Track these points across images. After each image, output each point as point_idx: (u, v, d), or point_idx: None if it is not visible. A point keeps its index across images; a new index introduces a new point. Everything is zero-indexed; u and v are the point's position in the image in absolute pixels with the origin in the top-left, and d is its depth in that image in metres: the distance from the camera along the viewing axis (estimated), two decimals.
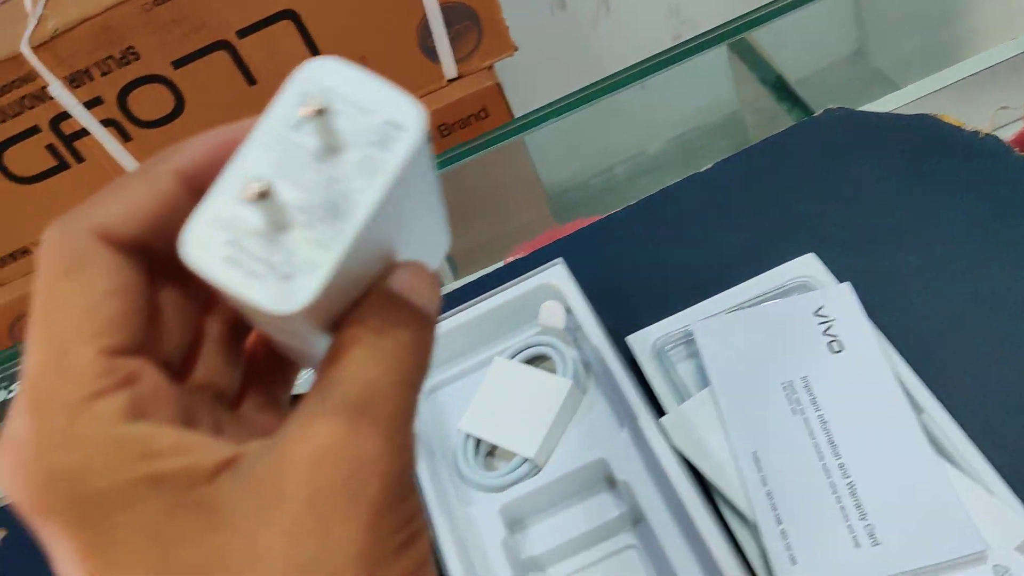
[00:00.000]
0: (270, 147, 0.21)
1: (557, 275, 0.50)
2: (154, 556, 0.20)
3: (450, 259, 0.78)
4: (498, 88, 1.01)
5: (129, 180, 0.24)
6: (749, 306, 0.51)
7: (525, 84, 1.09)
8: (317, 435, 0.21)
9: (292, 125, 0.22)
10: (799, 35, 0.72)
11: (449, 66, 1.01)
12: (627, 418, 0.46)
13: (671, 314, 0.52)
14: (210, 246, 0.21)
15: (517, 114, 1.02)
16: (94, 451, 0.21)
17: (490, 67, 1.02)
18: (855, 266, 0.51)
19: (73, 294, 0.22)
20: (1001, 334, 0.48)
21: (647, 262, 0.55)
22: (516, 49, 0.99)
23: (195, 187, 0.23)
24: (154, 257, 0.24)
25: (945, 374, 0.46)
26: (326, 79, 0.22)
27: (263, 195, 0.20)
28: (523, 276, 0.51)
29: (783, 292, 0.51)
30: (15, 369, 0.72)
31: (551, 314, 0.49)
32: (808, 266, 0.52)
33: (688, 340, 0.51)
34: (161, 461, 0.21)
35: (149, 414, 0.22)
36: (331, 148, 0.21)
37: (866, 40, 0.86)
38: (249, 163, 0.21)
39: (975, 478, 0.42)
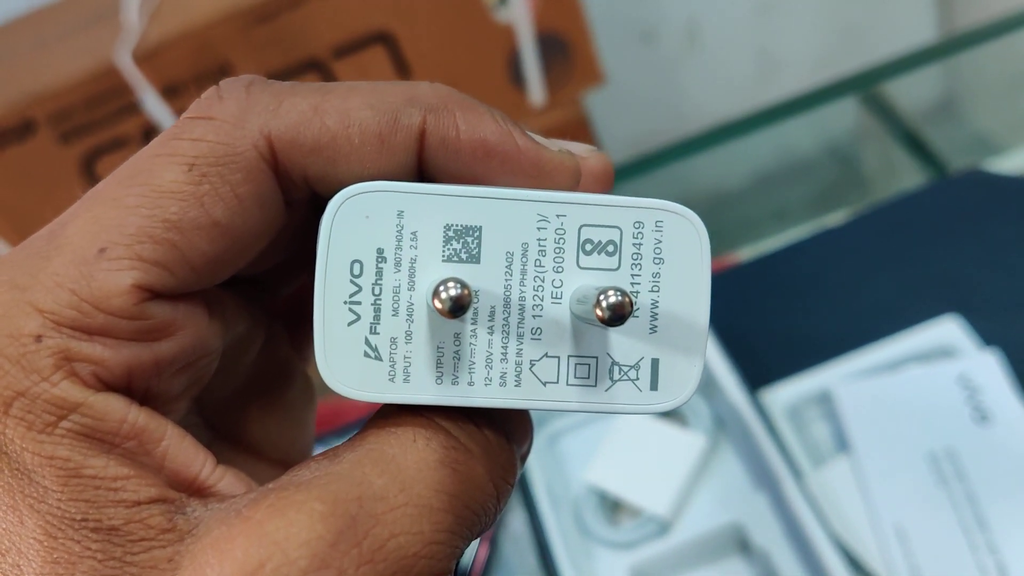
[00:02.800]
0: None
1: None
2: None
3: None
4: (585, 119, 1.00)
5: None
6: (887, 368, 0.49)
7: (611, 115, 1.08)
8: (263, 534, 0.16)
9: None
10: (907, 89, 0.70)
11: (537, 95, 1.00)
12: (764, 479, 0.45)
13: (803, 371, 0.50)
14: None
15: (603, 143, 1.01)
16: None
17: (577, 98, 1.01)
18: (998, 332, 0.49)
19: (172, 183, 0.17)
20: None
21: (778, 315, 0.53)
22: (605, 80, 0.98)
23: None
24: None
25: None
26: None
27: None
28: None
29: (923, 355, 0.50)
30: None
31: None
32: (949, 329, 0.51)
33: (823, 400, 0.49)
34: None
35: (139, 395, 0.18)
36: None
37: (963, 97, 0.85)
38: None
39: None
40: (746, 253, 0.61)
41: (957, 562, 0.42)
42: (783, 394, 0.49)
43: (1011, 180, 0.55)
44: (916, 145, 0.61)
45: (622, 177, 0.73)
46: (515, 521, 0.48)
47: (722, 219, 0.81)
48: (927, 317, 0.50)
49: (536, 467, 0.48)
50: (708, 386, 0.49)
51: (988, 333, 0.49)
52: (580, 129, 1.01)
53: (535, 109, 1.02)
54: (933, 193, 0.56)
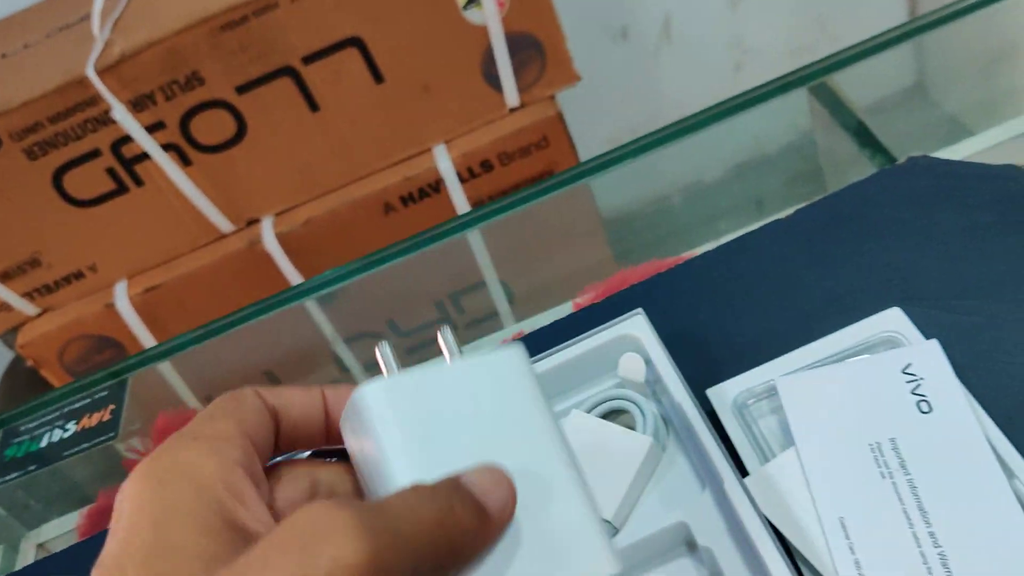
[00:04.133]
0: None
1: (637, 326, 0.49)
2: None
3: (509, 297, 0.77)
4: (559, 117, 1.01)
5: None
6: (833, 362, 0.49)
7: (586, 113, 1.08)
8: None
9: None
10: (868, 78, 0.70)
11: (511, 95, 1.00)
12: (709, 478, 0.45)
13: (751, 367, 0.50)
14: None
15: (577, 143, 1.02)
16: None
17: (552, 96, 1.01)
18: (942, 322, 0.49)
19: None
20: None
21: (725, 311, 0.54)
22: (579, 79, 0.98)
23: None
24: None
25: None
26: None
27: None
28: (601, 327, 0.50)
29: (868, 348, 0.50)
30: (73, 407, 0.72)
31: (631, 367, 0.48)
32: (893, 321, 0.51)
33: (771, 395, 0.49)
34: None
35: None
36: None
37: (929, 82, 0.85)
38: None
39: None
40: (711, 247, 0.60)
41: (901, 554, 0.42)
42: (731, 391, 0.49)
43: (955, 165, 0.55)
44: (867, 134, 0.61)
45: (597, 170, 0.73)
46: None
47: (693, 211, 0.81)
48: (874, 310, 0.51)
49: None
50: (654, 385, 0.49)
51: (930, 323, 0.49)
52: (554, 127, 1.01)
53: (510, 109, 1.02)
54: (878, 181, 0.56)
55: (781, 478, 0.46)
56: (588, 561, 0.29)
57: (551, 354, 0.50)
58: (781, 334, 0.51)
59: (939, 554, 0.41)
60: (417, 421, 0.30)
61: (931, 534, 0.42)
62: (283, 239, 1.02)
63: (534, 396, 0.32)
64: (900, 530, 0.43)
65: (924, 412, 0.46)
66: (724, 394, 0.49)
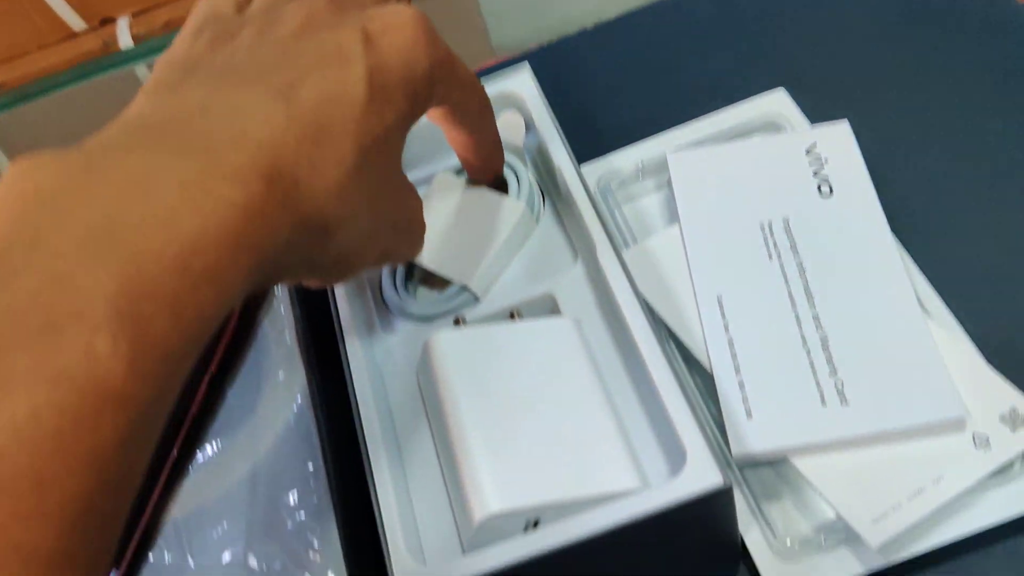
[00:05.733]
0: None
1: (521, 83, 0.44)
2: None
3: None
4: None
5: None
6: (715, 141, 0.46)
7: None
8: None
9: None
10: None
11: None
12: (583, 250, 0.41)
13: (635, 141, 0.46)
14: None
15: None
16: None
17: None
18: (827, 108, 0.46)
19: None
20: (985, 197, 0.43)
21: (607, 89, 0.49)
22: None
23: None
24: None
25: (922, 236, 0.42)
26: None
27: None
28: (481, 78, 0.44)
29: (748, 128, 0.46)
30: None
31: (510, 127, 0.44)
32: (778, 102, 0.47)
33: (659, 171, 0.45)
34: None
35: None
36: None
37: None
38: None
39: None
40: None
41: (779, 335, 0.39)
42: (611, 165, 0.45)
43: None
44: None
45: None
46: (280, 290, 0.43)
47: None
48: (758, 90, 0.47)
49: None
50: (533, 152, 0.44)
51: (815, 109, 0.46)
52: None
53: None
54: None
55: (660, 254, 0.42)
56: (616, 476, 0.33)
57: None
58: (661, 115, 0.47)
59: (821, 336, 0.38)
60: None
61: (815, 317, 0.39)
62: (139, 41, 0.94)
63: (583, 358, 0.37)
64: (782, 311, 0.39)
65: (824, 195, 0.42)
66: (606, 169, 0.45)
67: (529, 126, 0.44)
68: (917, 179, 0.45)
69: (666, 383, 0.35)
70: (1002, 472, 0.34)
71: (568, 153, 0.42)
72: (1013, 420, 0.35)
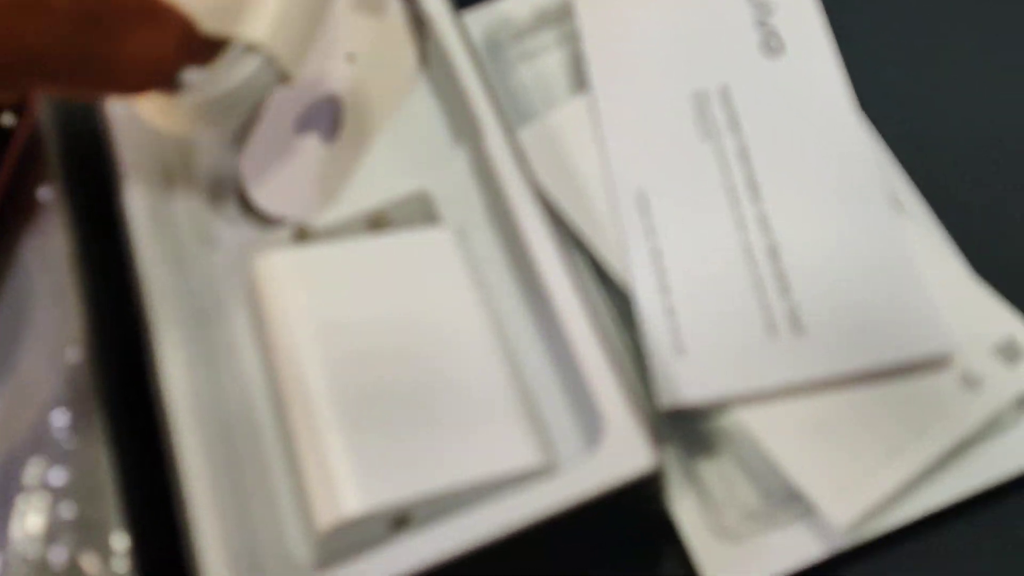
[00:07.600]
0: None
1: None
2: None
3: None
4: None
5: None
6: None
7: None
8: None
9: None
10: None
11: None
12: (466, 130, 0.31)
13: None
14: None
15: None
16: None
17: None
18: None
19: None
20: (976, 53, 0.35)
21: None
22: None
23: None
24: None
25: (895, 109, 0.33)
26: None
27: None
28: None
29: None
30: None
31: None
32: None
33: (564, 18, 0.35)
34: None
35: None
36: None
37: None
38: None
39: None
40: None
41: (716, 243, 0.30)
42: (501, 14, 0.35)
43: None
44: None
45: None
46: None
47: None
48: None
49: None
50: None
51: None
52: None
53: None
54: None
55: (565, 134, 0.32)
56: (511, 451, 0.25)
57: None
58: None
59: (768, 245, 0.30)
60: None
61: (761, 217, 0.30)
62: None
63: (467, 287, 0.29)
64: (719, 210, 0.31)
65: (772, 52, 0.33)
66: (493, 18, 0.35)
67: None
68: (889, 33, 0.36)
69: (574, 319, 0.26)
70: (995, 420, 0.27)
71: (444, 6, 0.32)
72: (1010, 353, 0.28)
